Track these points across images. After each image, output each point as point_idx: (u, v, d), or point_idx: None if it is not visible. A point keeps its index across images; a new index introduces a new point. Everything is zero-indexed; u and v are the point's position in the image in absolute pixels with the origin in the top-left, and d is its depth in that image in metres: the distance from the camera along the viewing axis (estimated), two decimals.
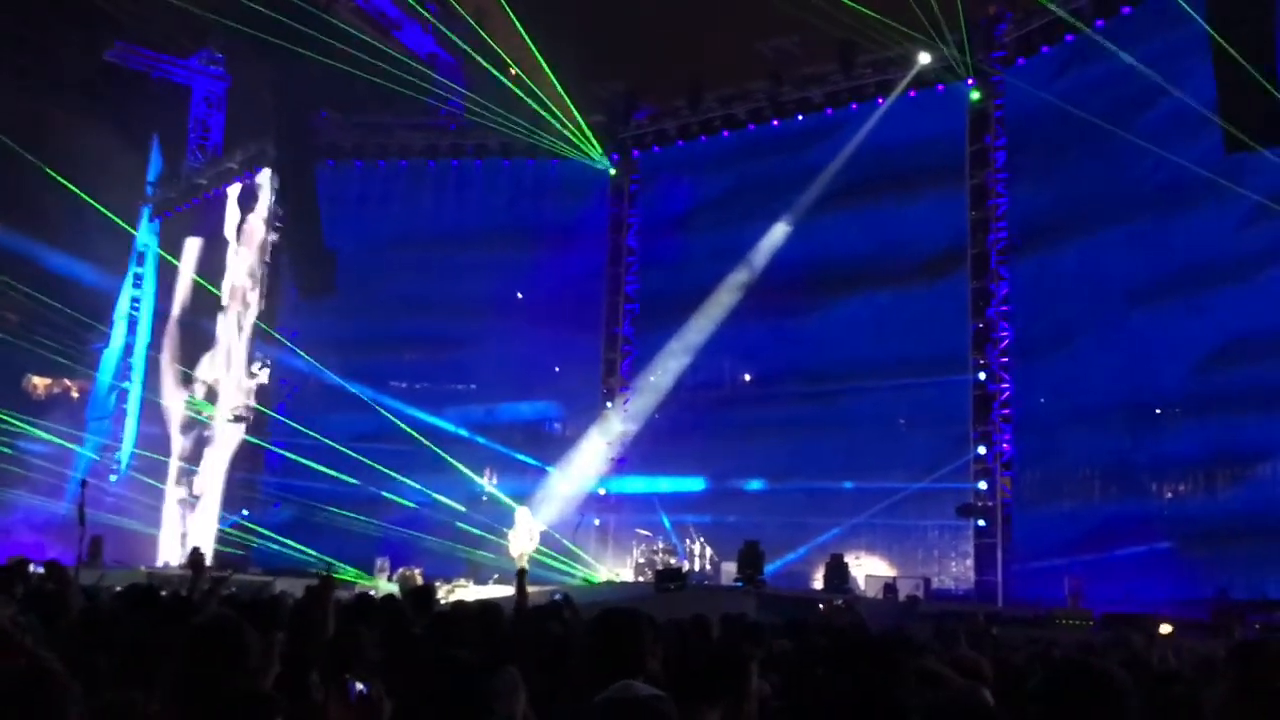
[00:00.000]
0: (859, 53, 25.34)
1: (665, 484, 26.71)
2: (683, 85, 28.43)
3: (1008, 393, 22.97)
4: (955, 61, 23.38)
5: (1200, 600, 17.15)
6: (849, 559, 22.01)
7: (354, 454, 25.72)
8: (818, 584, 22.10)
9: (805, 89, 26.27)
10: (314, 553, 23.91)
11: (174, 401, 31.33)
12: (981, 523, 22.51)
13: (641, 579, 22.81)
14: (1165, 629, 14.48)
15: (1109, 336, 21.02)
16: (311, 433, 26.09)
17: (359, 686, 3.72)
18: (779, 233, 25.61)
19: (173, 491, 30.78)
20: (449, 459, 25.97)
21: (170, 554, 29.36)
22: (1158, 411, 20.45)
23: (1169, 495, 20.33)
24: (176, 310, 32.33)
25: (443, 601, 14.32)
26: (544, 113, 26.51)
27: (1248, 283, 18.85)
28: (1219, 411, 19.10)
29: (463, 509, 25.84)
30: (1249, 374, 18.60)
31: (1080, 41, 21.97)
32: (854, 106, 25.49)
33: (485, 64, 25.23)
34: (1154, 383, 20.27)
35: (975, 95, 23.95)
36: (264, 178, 31.01)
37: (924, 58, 23.94)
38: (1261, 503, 18.33)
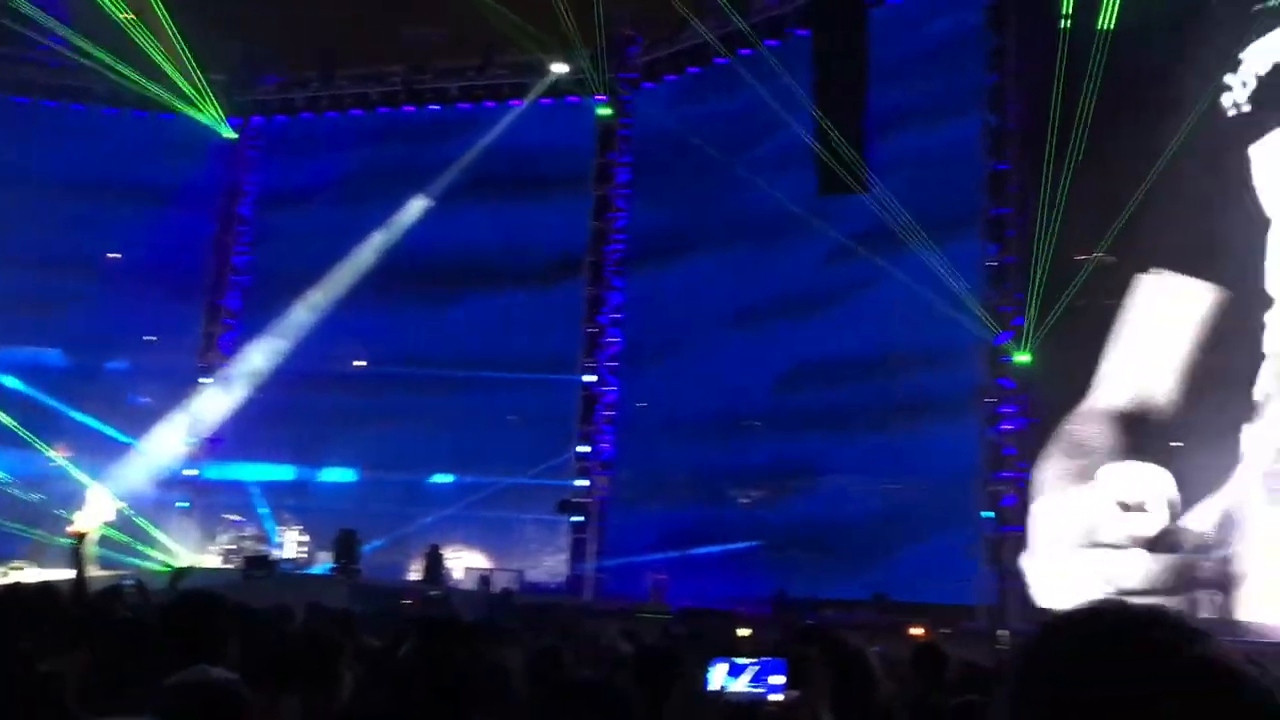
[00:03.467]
0: (497, 53, 25.65)
1: (264, 468, 25.61)
2: (315, 57, 27.44)
3: (612, 396, 24.12)
4: (588, 76, 24.23)
5: (763, 598, 18.78)
6: (448, 551, 22.20)
7: None
8: (416, 575, 22.10)
9: (442, 80, 26.26)
10: None
11: None
12: (579, 519, 23.45)
13: (229, 565, 21.79)
14: (744, 631, 15.64)
15: (706, 352, 22.61)
16: None
17: None
18: (405, 220, 25.34)
19: None
20: (16, 427, 23.44)
21: None
22: (742, 425, 22.27)
23: (744, 502, 22.21)
24: None
25: None
26: (160, 63, 24.60)
27: (824, 314, 20.98)
28: (790, 428, 21.14)
29: (26, 484, 23.42)
30: (815, 396, 20.74)
31: (704, 75, 23.56)
32: (489, 105, 25.80)
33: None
34: (741, 399, 22.09)
35: (604, 111, 24.96)
36: None
37: (559, 68, 24.64)
38: (818, 512, 20.46)
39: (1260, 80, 16.66)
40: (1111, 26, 17.46)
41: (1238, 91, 16.76)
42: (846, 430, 20.45)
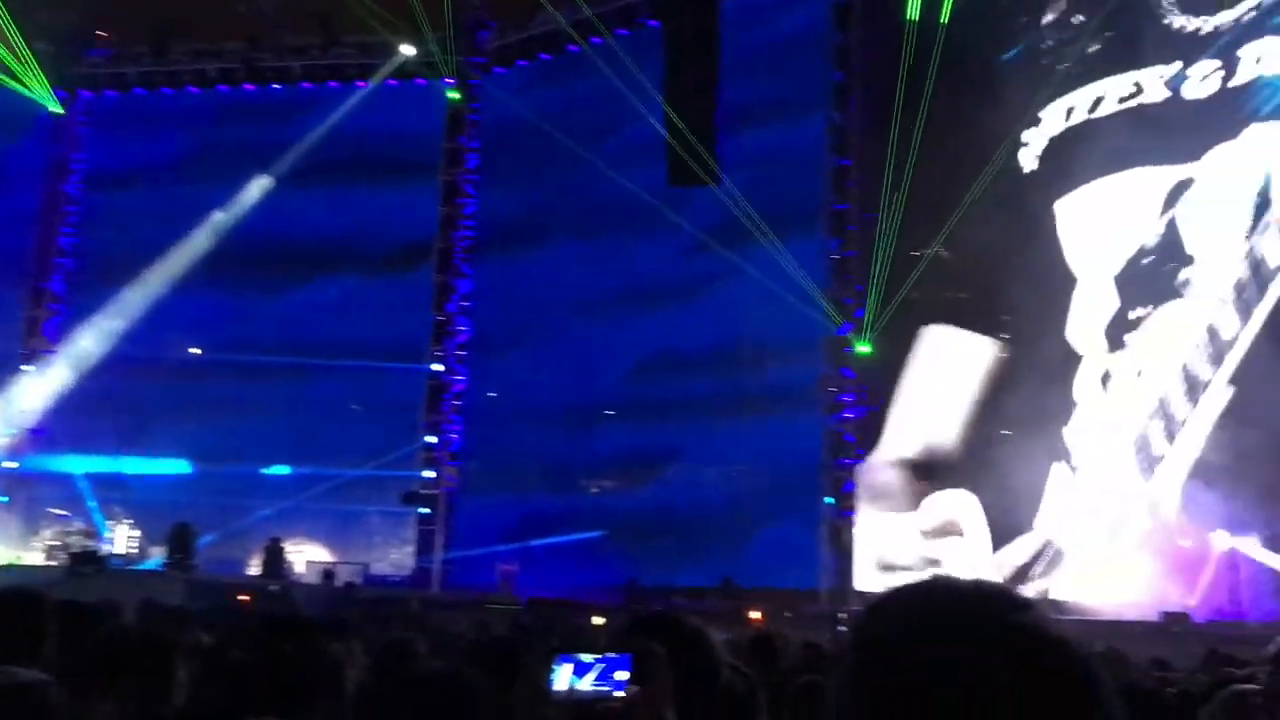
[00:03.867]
0: (342, 32, 24.97)
1: (91, 460, 24.39)
2: (148, 30, 26.18)
3: (461, 385, 23.83)
4: (437, 59, 23.81)
5: (616, 586, 18.88)
6: (289, 544, 21.60)
7: None
8: (255, 570, 21.44)
9: (284, 58, 25.43)
10: None
11: None
12: (425, 510, 23.11)
13: (54, 562, 20.71)
14: (599, 620, 15.65)
15: (559, 342, 22.54)
16: None
17: None
18: (245, 202, 24.43)
19: None
20: None
21: None
22: (593, 414, 22.29)
23: (595, 491, 22.25)
24: None
25: None
26: None
27: (677, 304, 21.15)
28: (642, 417, 21.27)
29: None
30: (668, 386, 20.92)
31: (557, 62, 23.44)
32: (333, 85, 25.11)
33: None
34: (593, 388, 22.12)
35: (454, 95, 24.59)
36: None
37: (406, 49, 24.10)
38: (670, 500, 20.65)
39: (1052, 141, 17.59)
40: (946, 21, 18.11)
41: (1035, 145, 17.73)
42: (698, 419, 20.70)
